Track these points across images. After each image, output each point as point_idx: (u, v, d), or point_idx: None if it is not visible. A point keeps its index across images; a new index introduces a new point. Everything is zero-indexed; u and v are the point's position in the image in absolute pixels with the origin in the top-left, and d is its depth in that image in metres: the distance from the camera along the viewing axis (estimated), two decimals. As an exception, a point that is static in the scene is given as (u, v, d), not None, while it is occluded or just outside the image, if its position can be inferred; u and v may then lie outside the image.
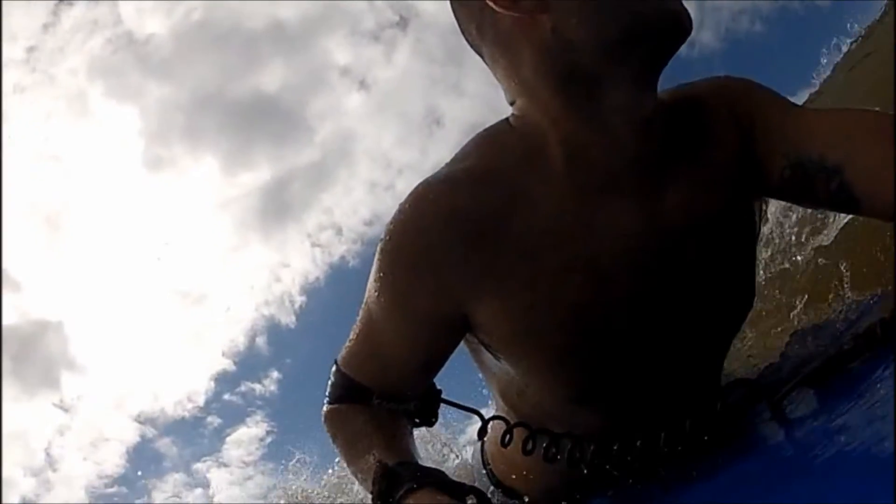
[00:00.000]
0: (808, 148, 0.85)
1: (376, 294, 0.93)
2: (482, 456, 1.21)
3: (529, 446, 0.90)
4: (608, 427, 0.92)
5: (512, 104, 0.91)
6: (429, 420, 0.97)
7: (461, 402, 1.01)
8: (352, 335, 0.99)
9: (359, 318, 0.98)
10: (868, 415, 0.59)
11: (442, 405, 1.01)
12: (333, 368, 1.00)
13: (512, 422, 0.97)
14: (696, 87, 0.93)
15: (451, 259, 0.86)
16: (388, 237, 0.91)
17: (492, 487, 1.17)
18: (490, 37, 0.88)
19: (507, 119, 0.91)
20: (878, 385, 0.62)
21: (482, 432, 0.92)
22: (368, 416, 0.96)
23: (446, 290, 0.87)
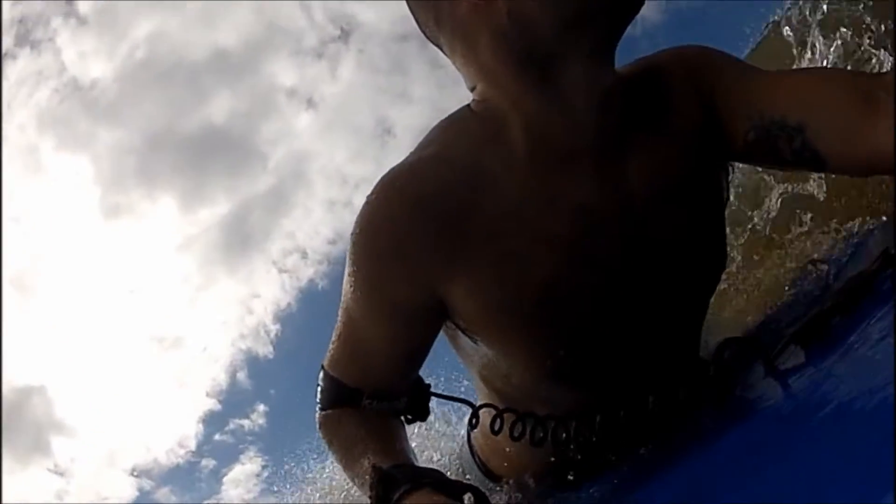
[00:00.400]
0: (769, 109, 0.85)
1: (352, 289, 0.93)
2: (470, 446, 1.21)
3: (517, 431, 0.90)
4: (591, 402, 0.93)
5: (473, 90, 0.92)
6: (421, 415, 0.97)
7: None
8: (333, 337, 0.98)
9: (338, 319, 0.98)
10: (868, 363, 0.59)
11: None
12: (321, 374, 0.99)
13: (500, 408, 0.97)
14: (654, 59, 0.94)
15: (421, 245, 0.87)
16: (357, 229, 0.91)
17: (481, 476, 1.17)
18: (448, 26, 0.89)
19: (468, 105, 0.92)
20: (874, 333, 0.61)
21: (473, 420, 0.92)
22: (361, 420, 0.95)
23: (419, 277, 0.88)
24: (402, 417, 0.98)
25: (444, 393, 1.05)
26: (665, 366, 0.92)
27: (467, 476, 1.21)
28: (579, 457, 0.90)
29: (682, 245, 0.88)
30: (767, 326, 0.92)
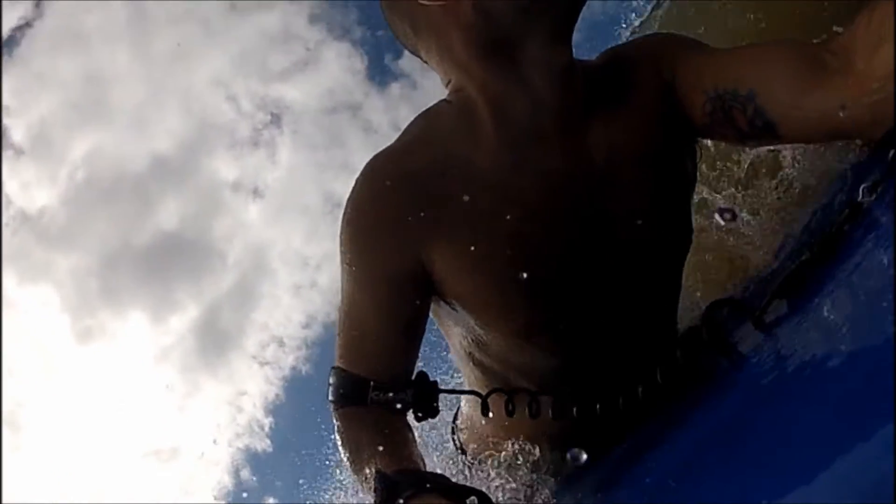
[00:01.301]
0: (722, 81, 0.91)
1: (347, 272, 1.00)
2: (454, 435, 1.24)
3: (518, 408, 0.94)
4: (567, 371, 0.98)
5: (447, 85, 1.00)
6: (430, 412, 1.00)
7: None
8: (337, 332, 1.03)
9: (340, 313, 1.03)
10: (847, 307, 0.62)
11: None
12: (330, 372, 1.03)
13: (484, 389, 1.03)
14: (620, 46, 1.03)
15: (404, 216, 0.94)
16: (347, 210, 0.99)
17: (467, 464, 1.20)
18: (423, 30, 0.98)
19: (442, 99, 1.01)
20: (851, 278, 0.64)
21: (485, 409, 0.94)
22: (370, 423, 0.98)
23: (405, 246, 0.95)
24: (413, 415, 1.00)
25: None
26: (641, 329, 0.97)
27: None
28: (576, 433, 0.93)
29: (643, 213, 0.94)
30: (751, 286, 0.95)
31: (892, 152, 0.62)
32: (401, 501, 0.77)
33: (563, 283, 0.93)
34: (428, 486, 0.79)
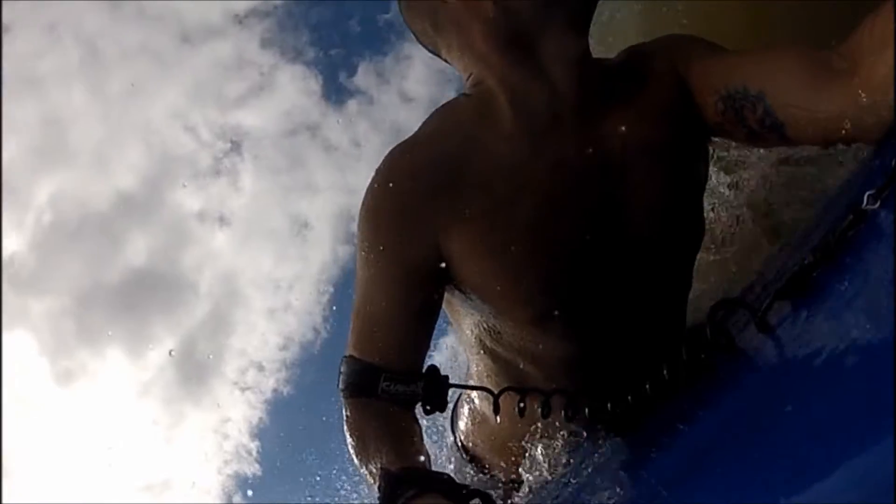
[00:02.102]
0: (733, 81, 0.93)
1: (364, 260, 1.01)
2: (454, 432, 1.25)
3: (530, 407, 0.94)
4: (579, 359, 1.00)
5: (468, 78, 1.03)
6: (439, 405, 1.01)
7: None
8: (352, 320, 1.04)
9: (354, 302, 1.04)
10: (848, 310, 0.63)
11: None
12: (342, 359, 1.03)
13: (493, 380, 1.06)
14: (640, 44, 1.05)
15: (422, 204, 0.96)
16: (366, 200, 1.01)
17: (464, 459, 1.21)
18: (445, 27, 1.01)
19: (461, 93, 1.04)
20: (852, 282, 0.65)
21: (496, 409, 0.95)
22: (378, 415, 0.99)
23: (423, 233, 0.97)
24: (422, 408, 1.01)
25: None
26: (652, 323, 0.98)
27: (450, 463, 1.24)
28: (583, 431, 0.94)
29: (655, 204, 0.96)
30: (754, 287, 0.96)
31: (895, 160, 0.63)
32: (403, 500, 0.79)
33: (577, 271, 0.95)
34: (431, 486, 0.80)
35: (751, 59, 0.94)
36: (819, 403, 0.58)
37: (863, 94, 0.78)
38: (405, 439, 0.97)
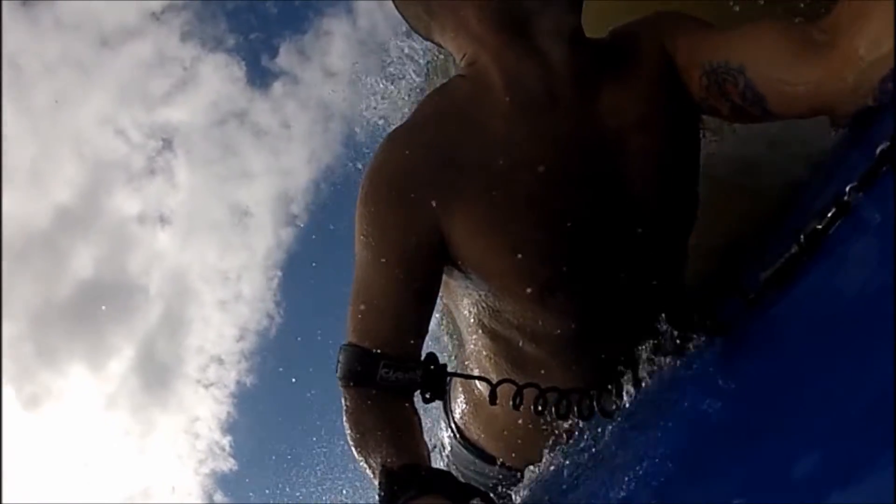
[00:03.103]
0: (716, 55, 0.94)
1: (363, 243, 1.00)
2: (448, 413, 1.26)
3: (519, 400, 0.95)
4: (580, 333, 1.01)
5: (461, 59, 1.03)
6: (438, 393, 1.02)
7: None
8: (350, 307, 1.04)
9: (352, 289, 1.03)
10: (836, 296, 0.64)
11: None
12: (340, 348, 1.03)
13: (490, 361, 1.08)
14: (629, 23, 1.05)
15: (421, 184, 0.96)
16: (364, 185, 1.01)
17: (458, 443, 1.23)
18: (437, 11, 1.02)
19: (456, 75, 1.04)
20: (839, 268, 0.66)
21: (493, 399, 0.96)
22: (377, 406, 0.99)
23: (423, 214, 0.96)
24: (420, 396, 1.02)
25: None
26: (649, 298, 0.99)
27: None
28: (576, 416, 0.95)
29: (650, 177, 0.97)
30: (743, 270, 0.98)
31: (878, 149, 0.64)
32: (403, 500, 0.80)
33: (576, 244, 0.96)
34: (431, 485, 0.81)
35: (733, 34, 0.95)
36: (809, 391, 0.59)
37: (841, 66, 0.79)
38: (405, 432, 0.98)
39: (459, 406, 1.28)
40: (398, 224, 0.98)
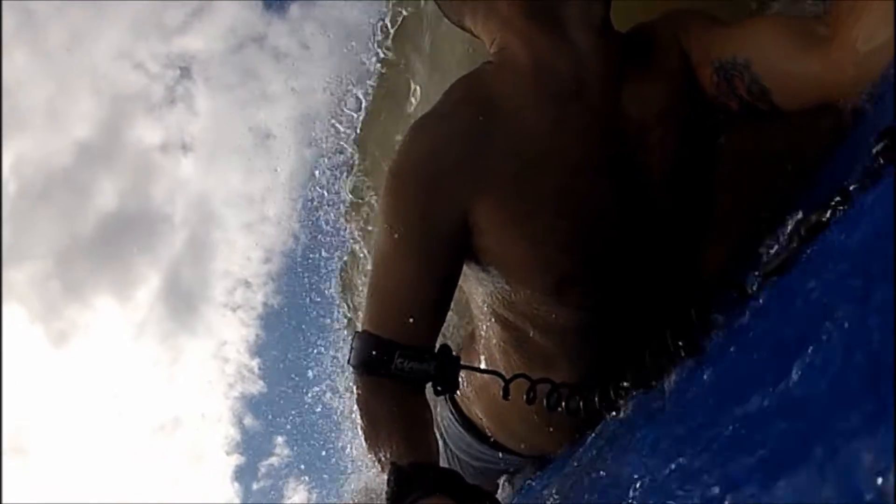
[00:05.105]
0: (724, 52, 0.94)
1: (387, 229, 0.99)
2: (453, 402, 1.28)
3: (547, 399, 0.96)
4: (593, 327, 1.01)
5: (492, 45, 1.02)
6: (451, 386, 1.02)
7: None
8: (367, 295, 1.03)
9: (371, 278, 1.03)
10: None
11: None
12: (354, 335, 1.03)
13: (500, 352, 1.07)
14: (647, 22, 1.06)
15: (449, 173, 0.95)
16: (394, 168, 1.00)
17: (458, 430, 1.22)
18: None
19: (484, 62, 1.03)
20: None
21: (506, 394, 0.96)
22: (391, 398, 0.99)
23: (450, 201, 0.96)
24: (432, 388, 1.02)
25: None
26: (663, 293, 0.99)
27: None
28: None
29: (669, 172, 0.97)
30: (741, 267, 0.97)
31: (875, 147, 0.63)
32: (411, 499, 0.80)
33: (597, 236, 0.96)
34: (439, 486, 0.81)
35: (738, 30, 0.95)
36: (809, 387, 0.58)
37: (840, 57, 0.80)
38: (417, 428, 0.98)
39: (461, 385, 1.28)
40: (424, 213, 0.97)
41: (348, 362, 1.04)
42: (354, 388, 1.04)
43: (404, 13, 1.96)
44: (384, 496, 0.85)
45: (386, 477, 0.87)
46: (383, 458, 0.94)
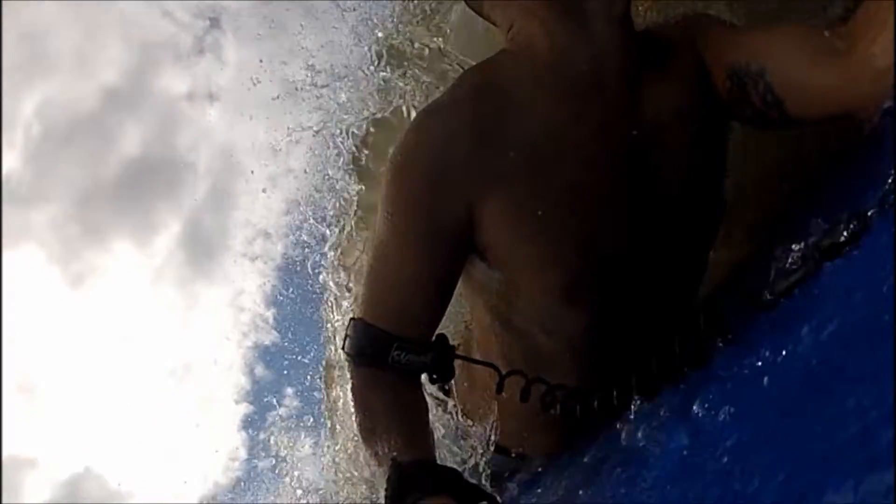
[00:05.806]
0: (738, 59, 0.92)
1: (389, 217, 0.95)
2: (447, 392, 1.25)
3: (541, 398, 0.95)
4: (597, 329, 0.98)
5: (508, 31, 0.98)
6: (446, 376, 1.00)
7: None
8: (364, 285, 1.01)
9: (368, 264, 1.00)
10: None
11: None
12: (350, 324, 0.99)
13: (497, 350, 1.03)
14: (662, 24, 1.04)
15: (457, 165, 0.91)
16: (397, 156, 0.95)
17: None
18: None
19: (500, 50, 0.98)
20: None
21: (500, 388, 0.95)
22: (388, 389, 0.97)
23: (456, 194, 0.92)
24: (428, 378, 1.01)
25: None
26: (669, 298, 0.98)
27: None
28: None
29: (681, 173, 0.95)
30: (751, 273, 0.97)
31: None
32: (411, 500, 0.79)
33: (609, 237, 0.93)
34: (440, 485, 0.80)
35: (757, 37, 0.94)
36: (820, 400, 0.58)
37: (857, 72, 0.79)
38: (414, 422, 0.96)
39: (459, 383, 1.26)
40: (428, 205, 0.93)
41: (342, 349, 1.01)
42: (349, 376, 1.02)
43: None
44: (383, 493, 0.83)
45: (384, 473, 0.85)
46: (380, 453, 0.92)
